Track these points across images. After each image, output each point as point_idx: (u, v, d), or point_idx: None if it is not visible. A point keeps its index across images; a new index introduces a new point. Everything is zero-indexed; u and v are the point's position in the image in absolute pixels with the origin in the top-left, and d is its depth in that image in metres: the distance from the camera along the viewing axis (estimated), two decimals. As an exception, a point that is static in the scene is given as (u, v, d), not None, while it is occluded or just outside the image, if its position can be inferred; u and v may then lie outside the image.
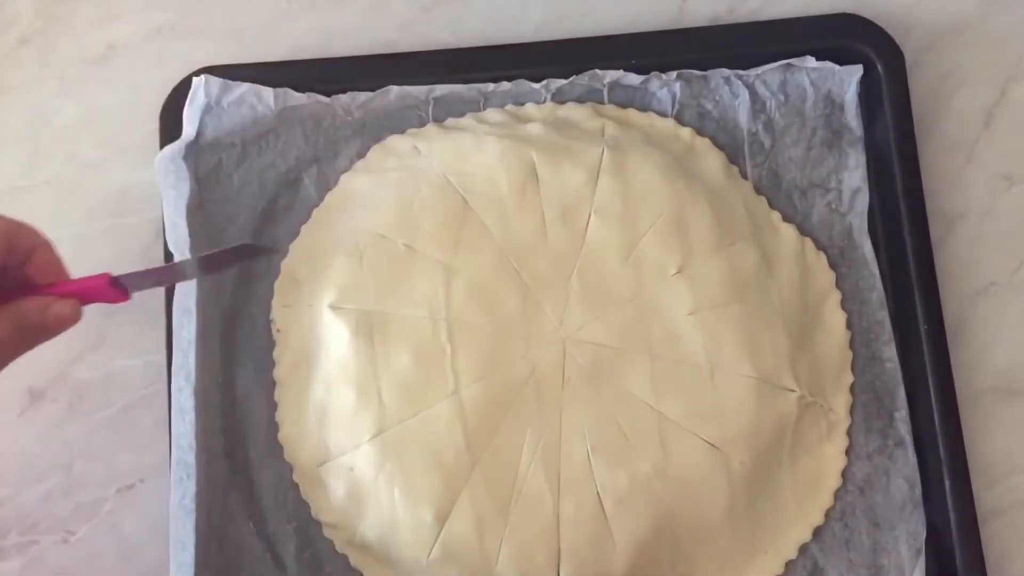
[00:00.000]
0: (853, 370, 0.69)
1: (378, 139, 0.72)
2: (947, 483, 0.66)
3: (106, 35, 0.76)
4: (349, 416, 0.65)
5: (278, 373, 0.68)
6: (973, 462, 0.67)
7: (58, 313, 0.57)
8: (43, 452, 0.70)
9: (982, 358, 0.72)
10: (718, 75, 0.72)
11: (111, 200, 0.74)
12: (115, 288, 0.59)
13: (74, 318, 0.58)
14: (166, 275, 0.64)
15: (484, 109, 0.73)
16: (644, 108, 0.73)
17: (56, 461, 0.70)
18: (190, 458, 0.65)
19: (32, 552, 0.69)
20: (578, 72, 0.72)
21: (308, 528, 0.67)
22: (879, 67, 0.72)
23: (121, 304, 0.70)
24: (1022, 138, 0.75)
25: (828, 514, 0.67)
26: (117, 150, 0.75)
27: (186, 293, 0.67)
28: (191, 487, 0.64)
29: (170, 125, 0.71)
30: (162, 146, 0.70)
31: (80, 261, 0.72)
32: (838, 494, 0.68)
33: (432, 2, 0.77)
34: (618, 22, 0.76)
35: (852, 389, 0.69)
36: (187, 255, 0.67)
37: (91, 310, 0.71)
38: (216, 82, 0.70)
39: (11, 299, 0.56)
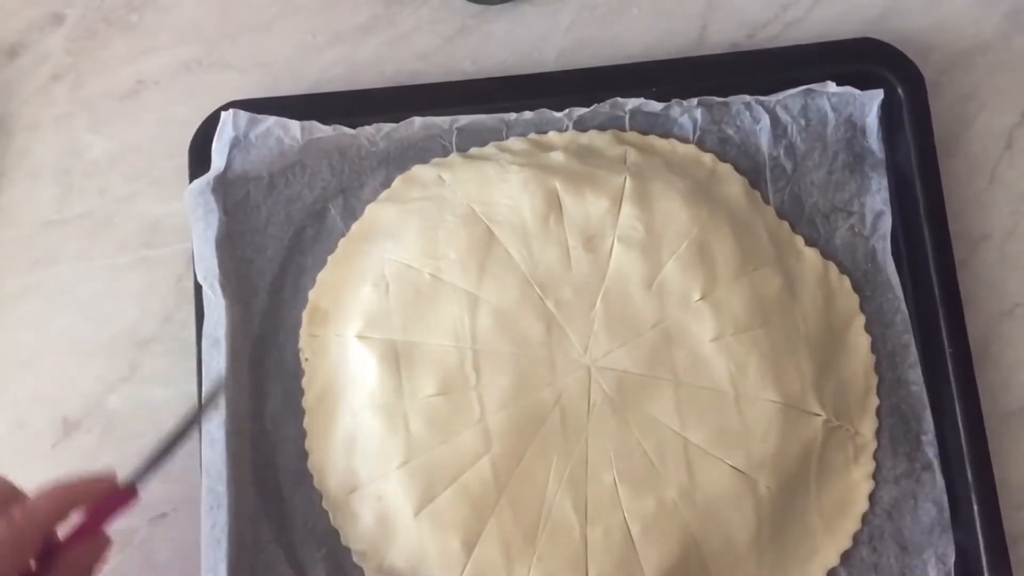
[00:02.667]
0: (879, 393, 0.69)
1: (403, 169, 0.73)
2: (975, 506, 0.66)
3: (135, 71, 0.78)
4: (377, 444, 0.66)
5: (306, 402, 0.69)
6: (1001, 484, 0.67)
7: (101, 558, 0.59)
8: (77, 482, 0.71)
9: (1008, 380, 0.71)
10: (739, 101, 0.73)
11: (142, 233, 0.75)
12: (124, 494, 0.60)
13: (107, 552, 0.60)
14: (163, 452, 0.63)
15: (507, 138, 0.74)
16: (665, 134, 0.74)
17: (90, 491, 0.71)
18: (220, 487, 0.66)
19: (67, 581, 0.70)
20: (599, 100, 0.72)
21: (338, 555, 0.67)
22: (899, 90, 0.72)
23: (153, 348, 0.71)
24: (1045, 159, 0.75)
25: (856, 538, 0.67)
26: (147, 183, 0.76)
27: (215, 324, 0.68)
28: (222, 516, 0.65)
29: (199, 158, 0.72)
30: (191, 179, 0.72)
31: (112, 293, 0.74)
32: (866, 518, 0.67)
33: (455, 33, 0.78)
34: (638, 50, 0.77)
35: (878, 412, 0.69)
36: (216, 286, 0.68)
37: (119, 340, 0.73)
38: (243, 116, 0.71)
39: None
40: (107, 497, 0.60)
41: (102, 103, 0.78)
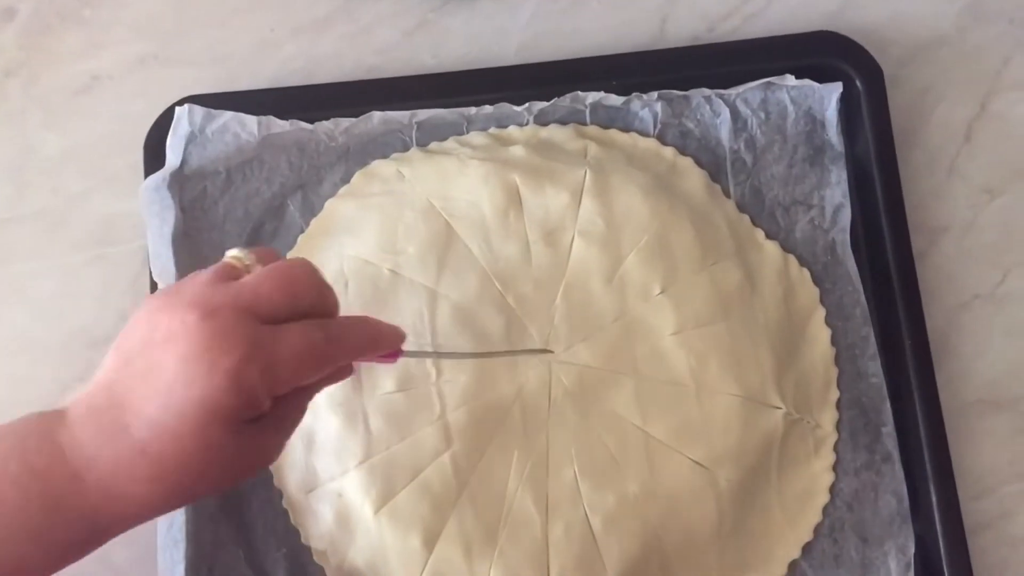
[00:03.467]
0: (839, 386, 0.69)
1: (362, 164, 0.72)
2: (934, 497, 0.67)
3: (90, 66, 0.77)
4: (336, 443, 0.65)
5: (266, 400, 0.69)
6: (960, 475, 0.67)
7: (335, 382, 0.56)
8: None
9: (967, 371, 0.72)
10: (699, 94, 0.73)
11: (97, 230, 0.74)
12: (393, 353, 0.58)
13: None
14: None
15: (467, 132, 0.73)
16: (626, 128, 0.73)
17: (45, 492, 0.69)
18: (178, 487, 0.65)
19: (22, 584, 0.69)
20: (560, 94, 0.72)
21: (298, 554, 0.67)
22: (858, 84, 0.72)
23: (109, 348, 0.70)
24: (1002, 151, 0.75)
25: (817, 530, 0.67)
26: (102, 180, 0.75)
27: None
28: (179, 517, 0.65)
29: (155, 155, 0.71)
30: (147, 176, 0.71)
31: (67, 292, 0.73)
32: (826, 510, 0.68)
33: (414, 27, 0.78)
34: (598, 43, 0.77)
35: (838, 405, 0.69)
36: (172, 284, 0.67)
37: (75, 340, 0.72)
38: (199, 111, 0.70)
39: None
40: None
41: (56, 99, 0.76)
